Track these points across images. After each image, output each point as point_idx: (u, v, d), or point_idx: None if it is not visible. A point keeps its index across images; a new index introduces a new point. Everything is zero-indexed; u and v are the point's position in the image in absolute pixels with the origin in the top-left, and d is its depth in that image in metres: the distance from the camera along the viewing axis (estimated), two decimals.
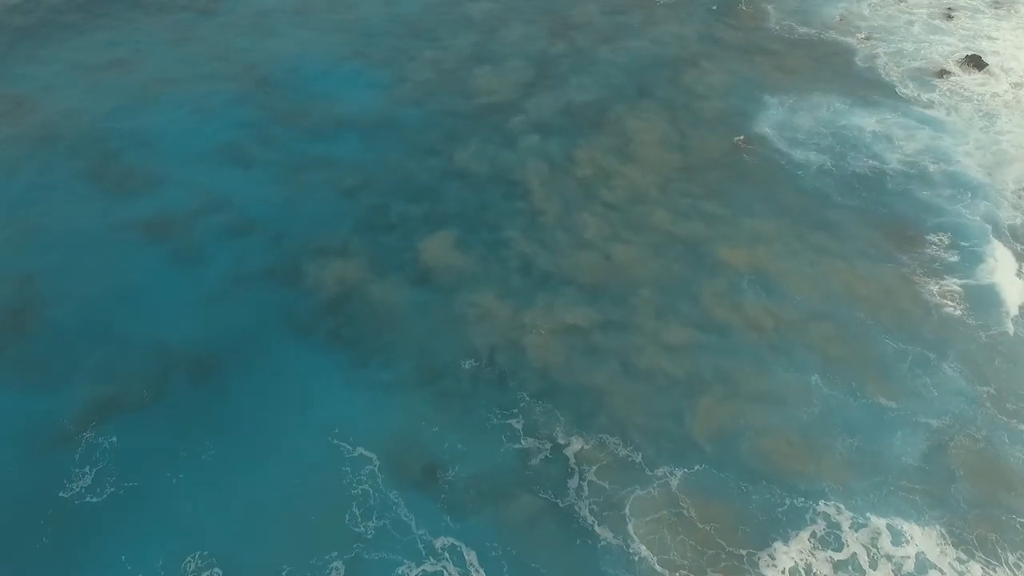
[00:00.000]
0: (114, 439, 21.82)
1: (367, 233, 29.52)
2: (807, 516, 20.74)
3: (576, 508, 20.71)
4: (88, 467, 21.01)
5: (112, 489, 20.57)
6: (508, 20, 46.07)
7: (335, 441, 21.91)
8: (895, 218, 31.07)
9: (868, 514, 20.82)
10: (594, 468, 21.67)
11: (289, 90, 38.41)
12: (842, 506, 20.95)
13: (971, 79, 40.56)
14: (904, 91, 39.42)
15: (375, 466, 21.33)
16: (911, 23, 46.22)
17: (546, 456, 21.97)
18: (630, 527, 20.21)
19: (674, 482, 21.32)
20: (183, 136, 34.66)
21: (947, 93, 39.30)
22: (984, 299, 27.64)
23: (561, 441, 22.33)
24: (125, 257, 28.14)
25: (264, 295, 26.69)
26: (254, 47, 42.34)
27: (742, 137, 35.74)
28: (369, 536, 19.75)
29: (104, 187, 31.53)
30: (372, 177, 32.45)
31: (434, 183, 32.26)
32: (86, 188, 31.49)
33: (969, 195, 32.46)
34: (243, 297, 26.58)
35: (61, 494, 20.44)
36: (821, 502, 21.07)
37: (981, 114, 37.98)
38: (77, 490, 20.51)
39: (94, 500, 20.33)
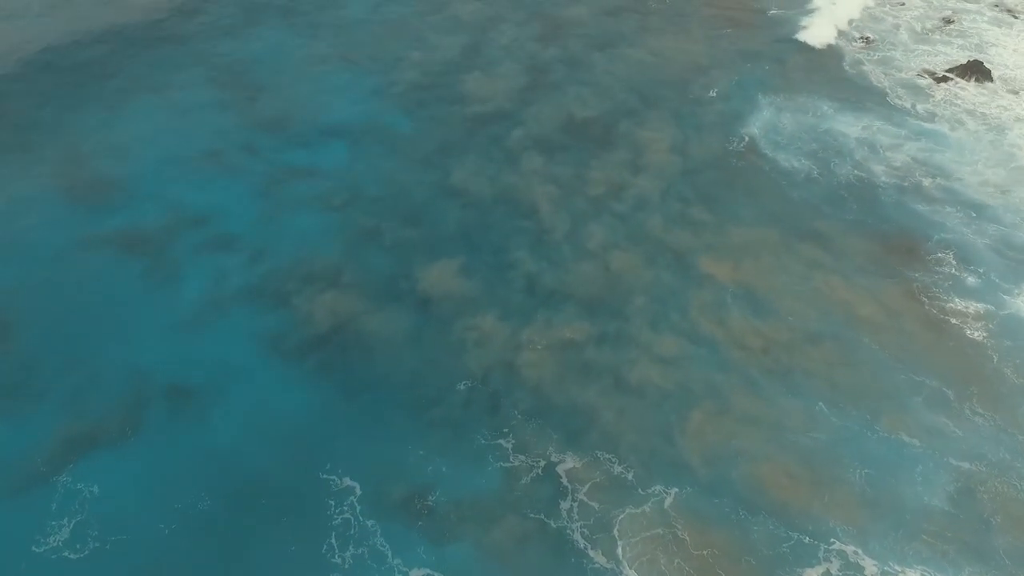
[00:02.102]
0: (95, 487, 19.97)
1: (358, 252, 28.24)
2: (819, 554, 19.47)
3: (568, 530, 19.85)
4: (66, 518, 19.07)
5: (95, 544, 18.76)
6: (497, 21, 45.07)
7: (321, 474, 20.86)
8: (896, 231, 29.83)
9: (891, 561, 19.55)
10: (586, 487, 20.84)
11: (272, 95, 37.16)
12: (860, 551, 19.65)
13: (974, 88, 38.89)
14: (897, 100, 38.33)
15: (356, 496, 20.37)
16: (911, 28, 44.95)
17: (537, 475, 21.12)
18: (620, 550, 19.37)
19: (667, 501, 20.47)
20: (160, 144, 33.25)
21: (941, 103, 37.84)
22: (1008, 327, 25.71)
23: (554, 459, 21.51)
24: (97, 275, 26.66)
25: (246, 319, 25.37)
26: (236, 50, 41.02)
27: (741, 142, 34.90)
28: (346, 567, 18.80)
29: (75, 199, 30.06)
30: (362, 191, 31.20)
31: (430, 199, 31.03)
32: (56, 199, 29.95)
33: (980, 212, 30.92)
34: (224, 321, 25.27)
35: (34, 548, 18.44)
36: (835, 541, 19.79)
37: (988, 127, 36.25)
38: (53, 544, 18.56)
39: (73, 557, 18.46)
